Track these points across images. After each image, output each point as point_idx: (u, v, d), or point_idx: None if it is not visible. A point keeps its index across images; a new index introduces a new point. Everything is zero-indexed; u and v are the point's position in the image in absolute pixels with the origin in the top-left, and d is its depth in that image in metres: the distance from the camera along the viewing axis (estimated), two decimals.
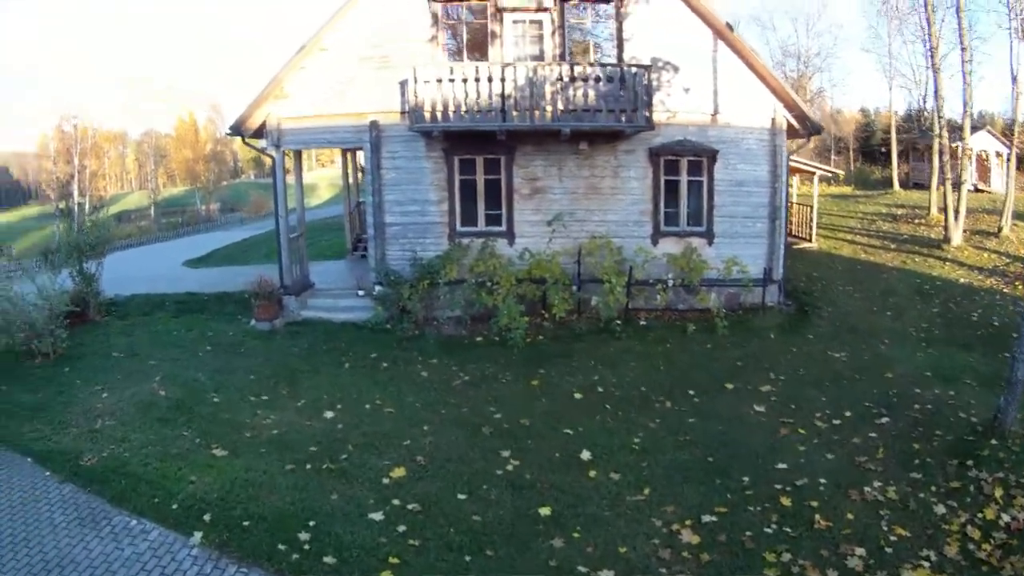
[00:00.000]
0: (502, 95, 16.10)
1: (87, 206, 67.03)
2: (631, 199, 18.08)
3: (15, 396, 12.53)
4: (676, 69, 17.63)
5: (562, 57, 17.37)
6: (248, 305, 17.47)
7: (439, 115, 16.18)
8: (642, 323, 17.45)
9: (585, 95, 16.11)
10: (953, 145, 29.90)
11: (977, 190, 28.90)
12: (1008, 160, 37.57)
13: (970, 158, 31.53)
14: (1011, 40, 26.50)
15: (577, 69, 16.15)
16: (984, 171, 38.53)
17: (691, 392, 13.13)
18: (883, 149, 50.52)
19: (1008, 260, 23.07)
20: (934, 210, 30.11)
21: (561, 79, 16.09)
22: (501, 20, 17.22)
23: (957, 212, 24.91)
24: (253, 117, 17.48)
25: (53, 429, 11.06)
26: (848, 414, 11.92)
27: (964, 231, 25.35)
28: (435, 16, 17.14)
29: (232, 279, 21.21)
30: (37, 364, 14.24)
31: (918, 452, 10.38)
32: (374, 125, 17.41)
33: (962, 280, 21.27)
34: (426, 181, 17.75)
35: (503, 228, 18.06)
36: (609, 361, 14.92)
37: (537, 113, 16.18)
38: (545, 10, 17.20)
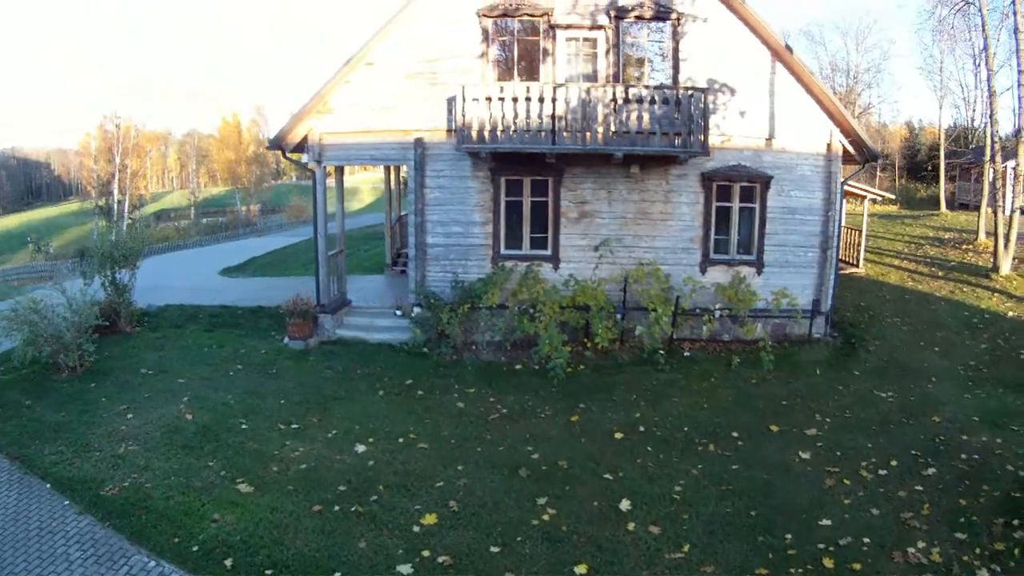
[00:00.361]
0: (553, 116, 15.44)
1: (126, 204, 67.64)
2: (681, 225, 17.32)
3: (39, 413, 12.16)
4: (732, 91, 16.88)
5: (616, 76, 16.67)
6: (283, 321, 16.89)
7: (487, 135, 15.54)
8: (686, 354, 16.70)
9: (639, 118, 15.42)
10: (1001, 167, 28.86)
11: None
12: None
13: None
14: None
15: (632, 91, 15.46)
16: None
17: (735, 434, 12.48)
18: (929, 167, 49.07)
19: None
20: (982, 235, 28.85)
21: (615, 100, 15.41)
22: (554, 37, 16.54)
23: (1008, 240, 23.72)
24: (294, 131, 16.92)
25: (75, 452, 10.68)
26: (895, 463, 11.37)
27: (1013, 258, 24.18)
28: (485, 32, 16.51)
29: (268, 292, 20.84)
30: (63, 378, 13.85)
31: (964, 509, 9.86)
32: (419, 142, 16.81)
33: (1011, 314, 20.17)
34: (471, 201, 17.11)
35: (548, 252, 17.35)
36: (652, 396, 14.27)
37: (589, 135, 15.49)
38: (600, 28, 16.52)
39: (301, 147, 17.18)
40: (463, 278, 16.93)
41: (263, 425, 12.10)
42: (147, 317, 18.37)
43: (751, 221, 17.54)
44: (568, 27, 16.54)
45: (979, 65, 39.83)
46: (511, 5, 16.32)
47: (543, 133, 15.52)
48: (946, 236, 31.29)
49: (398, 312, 17.43)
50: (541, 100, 15.41)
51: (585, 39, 16.70)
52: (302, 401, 13.28)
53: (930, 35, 46.64)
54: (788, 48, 16.83)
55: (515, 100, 15.44)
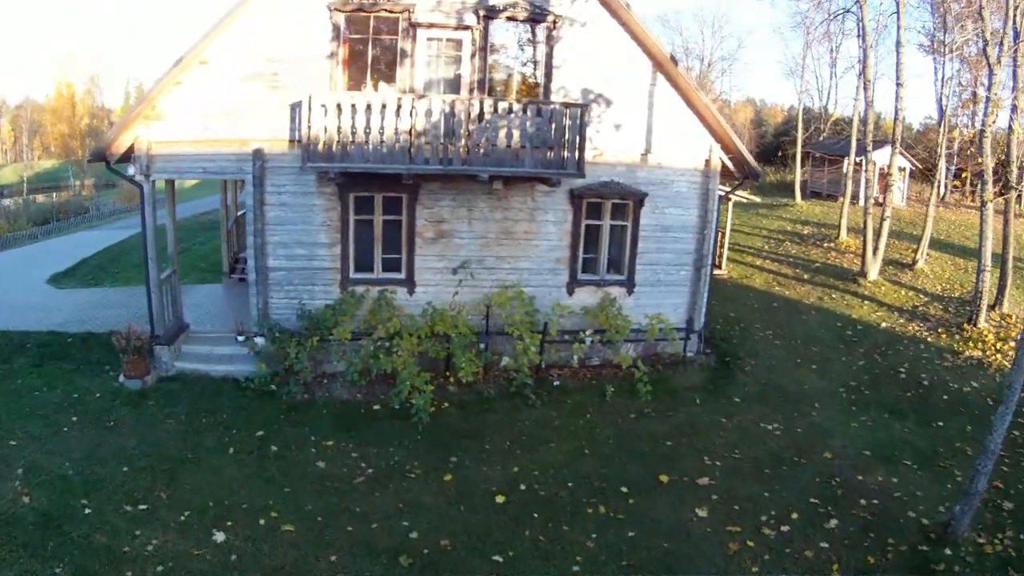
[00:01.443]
0: (411, 131, 13.56)
1: None
2: (547, 245, 15.87)
3: None
4: (608, 103, 15.49)
5: (481, 83, 14.90)
6: (117, 351, 14.39)
7: (336, 149, 13.48)
8: (556, 383, 15.41)
9: (508, 134, 13.78)
10: (858, 161, 29.18)
11: (878, 203, 27.59)
12: (909, 175, 37.13)
13: (882, 175, 30.82)
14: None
15: (501, 105, 13.77)
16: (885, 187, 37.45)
17: (624, 489, 11.52)
18: (779, 153, 49.67)
19: (926, 298, 21.93)
20: (843, 233, 28.86)
21: (482, 114, 13.67)
22: (414, 37, 14.52)
23: (876, 247, 23.48)
24: (120, 140, 14.22)
25: None
26: (795, 516, 10.89)
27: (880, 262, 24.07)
28: (337, 28, 14.30)
29: (100, 311, 18.24)
30: None
31: (873, 568, 9.75)
32: (258, 154, 14.33)
33: (884, 324, 20.05)
34: (316, 221, 14.89)
35: (403, 275, 15.47)
36: (527, 440, 13.05)
37: (451, 148, 13.69)
38: (466, 28, 14.63)
39: (128, 157, 14.46)
40: (310, 305, 14.90)
41: (108, 506, 10.14)
42: None
43: (622, 239, 16.40)
44: (431, 26, 14.55)
45: (836, 63, 40.82)
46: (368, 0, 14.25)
47: (399, 149, 13.62)
48: (805, 231, 31.23)
49: (240, 338, 15.22)
50: (398, 112, 13.48)
51: (449, 40, 14.79)
52: (147, 467, 11.28)
53: (793, 33, 47.43)
54: (673, 60, 15.58)
55: (369, 110, 13.44)
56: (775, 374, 16.68)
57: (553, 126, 13.94)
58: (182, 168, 14.78)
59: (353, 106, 13.34)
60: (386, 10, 14.27)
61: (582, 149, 14.22)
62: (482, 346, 15.18)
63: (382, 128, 13.44)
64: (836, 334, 19.41)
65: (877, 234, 23.42)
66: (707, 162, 16.31)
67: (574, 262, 16.02)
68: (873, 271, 23.35)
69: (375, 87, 14.70)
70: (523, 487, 11.43)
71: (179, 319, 15.81)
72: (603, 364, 16.20)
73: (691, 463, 12.49)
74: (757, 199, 34.00)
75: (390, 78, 14.81)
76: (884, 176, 27.26)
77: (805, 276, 24.32)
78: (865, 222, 23.48)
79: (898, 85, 23.60)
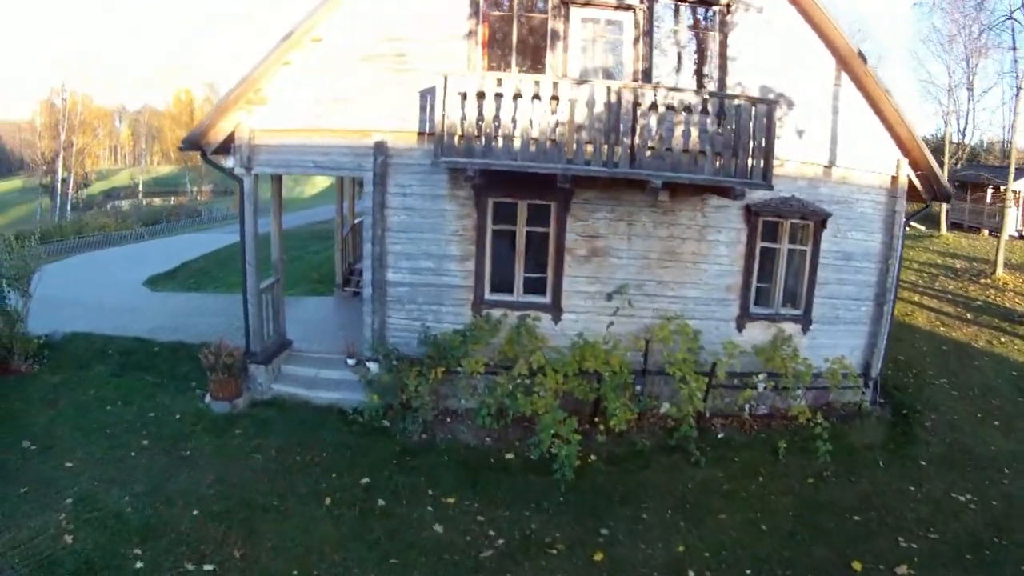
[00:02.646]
0: (568, 124, 10.87)
1: (71, 183, 61.49)
2: (716, 270, 12.92)
3: None
4: (791, 104, 12.58)
5: (645, 74, 12.17)
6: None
7: (477, 142, 10.90)
8: (720, 435, 12.47)
9: (686, 133, 10.97)
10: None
11: (1020, 236, 23.48)
12: None
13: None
14: None
15: (677, 97, 10.96)
16: None
17: None
18: None
19: None
20: (999, 268, 25.04)
21: (655, 107, 10.88)
22: (567, 16, 11.92)
23: None
24: (218, 126, 12.00)
25: None
26: None
27: None
28: (476, 3, 11.80)
29: (194, 318, 16.28)
30: None
31: None
32: (380, 148, 11.97)
33: None
34: (447, 229, 12.35)
35: (547, 300, 12.72)
36: (691, 508, 10.35)
37: (618, 148, 10.93)
38: (628, 8, 11.96)
39: (227, 147, 12.23)
40: (435, 329, 12.31)
41: (166, 561, 8.08)
42: (48, 350, 13.64)
43: (799, 267, 13.38)
44: (586, 4, 11.92)
45: (973, 85, 36.68)
46: None
47: (552, 144, 10.92)
48: (957, 265, 27.43)
49: (350, 361, 12.82)
50: (554, 99, 10.80)
51: (608, 21, 12.10)
52: (222, 513, 9.02)
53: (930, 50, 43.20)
54: (861, 56, 12.54)
55: (517, 98, 10.79)
56: (958, 432, 13.71)
57: (736, 124, 11.09)
58: (290, 161, 12.34)
59: (498, 94, 10.74)
60: None
61: (770, 155, 11.29)
62: (638, 388, 12.38)
63: (532, 120, 10.80)
64: (1014, 384, 16.26)
65: None
66: (894, 179, 13.30)
67: (746, 291, 13.07)
68: None
69: (520, 71, 12.12)
70: (692, 573, 8.78)
71: (281, 335, 13.51)
72: (771, 414, 13.18)
73: (884, 544, 9.86)
74: (922, 227, 30.34)
75: (538, 64, 12.18)
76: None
77: (968, 316, 20.87)
78: None
79: None
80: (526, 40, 12.19)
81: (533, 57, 12.23)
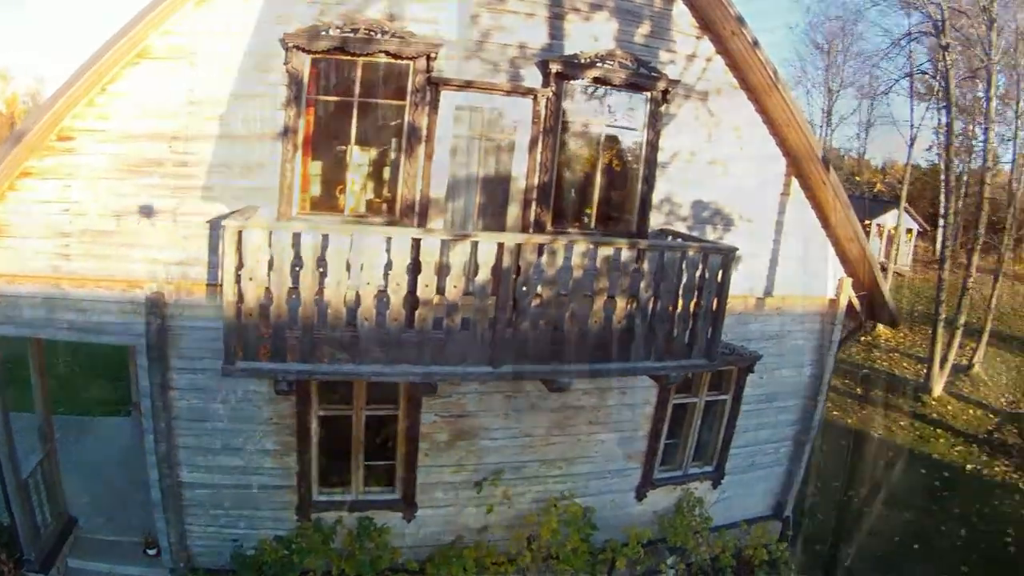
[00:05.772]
0: (433, 298, 6.48)
1: None
2: (617, 438, 9.14)
3: None
4: (727, 224, 8.84)
5: (544, 192, 7.89)
6: None
7: (290, 335, 6.32)
8: None
9: (608, 314, 6.96)
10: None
11: (882, 269, 21.50)
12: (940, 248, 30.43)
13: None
14: None
15: (603, 253, 6.84)
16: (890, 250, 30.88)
17: None
18: None
19: (996, 418, 16.49)
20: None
21: (569, 271, 6.76)
22: (434, 103, 7.45)
23: (945, 359, 17.45)
24: None
25: None
26: None
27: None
28: (296, 82, 7.04)
29: None
30: None
31: None
32: (156, 305, 7.16)
33: (968, 466, 14.74)
34: (258, 417, 7.72)
35: (396, 495, 8.48)
36: None
37: (506, 330, 6.69)
38: (526, 92, 7.66)
39: None
40: (249, 538, 7.96)
41: None
42: None
43: (713, 420, 9.98)
44: (465, 86, 7.48)
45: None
46: (357, 30, 7.04)
47: (409, 330, 6.54)
48: None
49: (150, 551, 8.22)
50: (413, 268, 6.43)
51: (493, 111, 7.75)
52: None
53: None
54: (825, 161, 8.84)
55: (349, 266, 6.28)
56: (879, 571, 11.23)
57: (683, 287, 7.17)
58: (35, 321, 7.11)
59: (320, 258, 6.21)
60: (387, 52, 7.13)
61: (719, 320, 7.52)
62: None
63: (378, 300, 6.37)
64: (924, 486, 14.17)
65: (947, 344, 17.39)
66: (833, 302, 10.05)
67: (651, 457, 9.42)
68: (938, 386, 17.44)
69: (361, 195, 7.62)
70: None
71: (61, 516, 8.59)
72: None
73: None
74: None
75: (388, 176, 7.68)
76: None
77: (858, 390, 18.42)
78: (934, 332, 17.42)
79: None
80: (371, 140, 7.61)
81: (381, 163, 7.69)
